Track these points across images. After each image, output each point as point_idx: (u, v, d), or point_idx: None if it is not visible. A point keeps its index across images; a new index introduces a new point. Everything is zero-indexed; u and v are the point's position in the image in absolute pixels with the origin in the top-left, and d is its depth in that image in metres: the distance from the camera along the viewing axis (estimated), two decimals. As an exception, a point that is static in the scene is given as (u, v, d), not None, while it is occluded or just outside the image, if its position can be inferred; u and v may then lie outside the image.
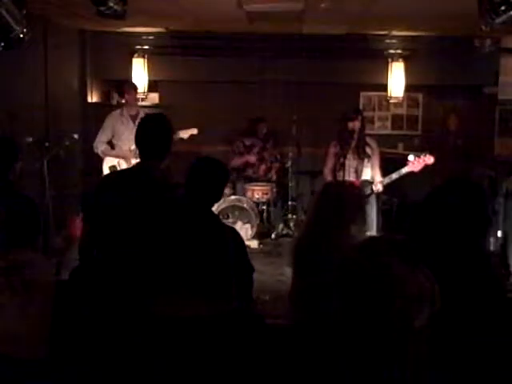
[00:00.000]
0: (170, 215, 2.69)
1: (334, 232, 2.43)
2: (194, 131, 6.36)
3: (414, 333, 1.40)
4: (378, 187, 5.43)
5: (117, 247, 2.77)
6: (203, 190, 2.69)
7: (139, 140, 3.03)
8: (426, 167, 5.34)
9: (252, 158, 7.30)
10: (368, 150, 5.57)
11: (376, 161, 5.58)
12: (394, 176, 5.37)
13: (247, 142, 7.38)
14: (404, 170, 5.31)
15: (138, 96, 7.73)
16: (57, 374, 1.53)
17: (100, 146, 6.29)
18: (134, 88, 6.55)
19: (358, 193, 2.79)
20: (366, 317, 1.43)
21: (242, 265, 2.49)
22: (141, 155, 3.06)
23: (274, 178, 7.38)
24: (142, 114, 6.00)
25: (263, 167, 7.40)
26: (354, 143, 5.52)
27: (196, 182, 2.73)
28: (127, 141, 5.86)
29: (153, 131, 3.04)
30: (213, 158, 2.89)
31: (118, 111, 6.40)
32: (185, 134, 6.25)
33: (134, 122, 5.96)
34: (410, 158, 5.32)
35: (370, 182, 5.54)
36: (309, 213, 2.74)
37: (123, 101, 7.83)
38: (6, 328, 1.51)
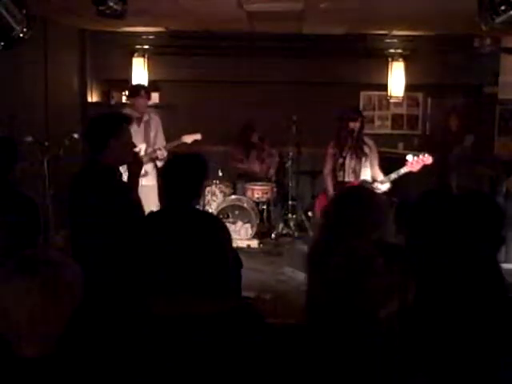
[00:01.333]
0: (149, 216, 2.70)
1: (354, 237, 2.38)
2: (198, 137, 6.21)
3: (380, 323, 1.44)
4: (379, 187, 5.41)
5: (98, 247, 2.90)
6: (177, 187, 2.73)
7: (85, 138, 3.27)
8: (425, 167, 5.34)
9: (254, 167, 7.37)
10: (366, 149, 5.55)
11: (375, 159, 5.57)
12: (393, 176, 5.37)
13: (244, 149, 7.42)
14: (403, 170, 5.31)
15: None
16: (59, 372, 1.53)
17: None
18: (144, 93, 6.06)
19: (382, 199, 2.70)
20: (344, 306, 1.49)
21: (233, 259, 2.47)
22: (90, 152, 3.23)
23: (273, 173, 7.39)
24: (146, 118, 5.96)
25: (263, 167, 7.44)
26: (351, 143, 5.49)
27: (168, 180, 2.77)
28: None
29: (93, 128, 3.23)
30: (187, 154, 2.93)
31: (128, 111, 5.97)
32: (188, 139, 6.14)
33: (139, 125, 5.87)
34: (409, 158, 5.32)
35: (369, 182, 5.53)
36: (327, 216, 2.63)
37: (123, 101, 7.88)
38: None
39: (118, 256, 2.74)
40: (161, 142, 6.05)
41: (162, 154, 5.86)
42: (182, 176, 2.74)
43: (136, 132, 5.83)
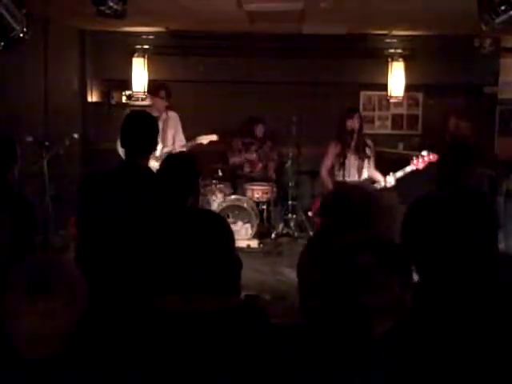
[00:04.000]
0: (150, 215, 2.71)
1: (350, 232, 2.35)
2: (214, 137, 6.24)
3: (373, 340, 1.42)
4: (390, 181, 5.40)
5: (110, 249, 2.82)
6: (173, 185, 2.76)
7: (124, 138, 3.01)
8: (431, 164, 5.37)
9: (251, 156, 7.32)
10: (367, 150, 5.58)
11: (373, 160, 5.62)
12: (399, 174, 5.41)
13: (245, 140, 7.40)
14: (408, 169, 5.37)
15: (138, 95, 7.73)
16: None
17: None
18: (163, 94, 6.04)
19: (367, 196, 2.64)
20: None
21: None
22: (126, 153, 3.05)
23: (274, 176, 7.39)
24: (164, 117, 5.95)
25: (260, 165, 7.42)
26: (354, 143, 5.52)
27: (163, 179, 2.81)
28: None
29: (136, 128, 3.02)
30: (181, 155, 2.94)
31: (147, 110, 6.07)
32: (204, 140, 6.16)
33: None
34: (415, 157, 5.39)
35: (370, 181, 5.54)
36: (324, 212, 2.61)
37: (123, 101, 7.87)
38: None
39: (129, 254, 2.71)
40: (180, 140, 6.07)
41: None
42: (177, 174, 2.78)
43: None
